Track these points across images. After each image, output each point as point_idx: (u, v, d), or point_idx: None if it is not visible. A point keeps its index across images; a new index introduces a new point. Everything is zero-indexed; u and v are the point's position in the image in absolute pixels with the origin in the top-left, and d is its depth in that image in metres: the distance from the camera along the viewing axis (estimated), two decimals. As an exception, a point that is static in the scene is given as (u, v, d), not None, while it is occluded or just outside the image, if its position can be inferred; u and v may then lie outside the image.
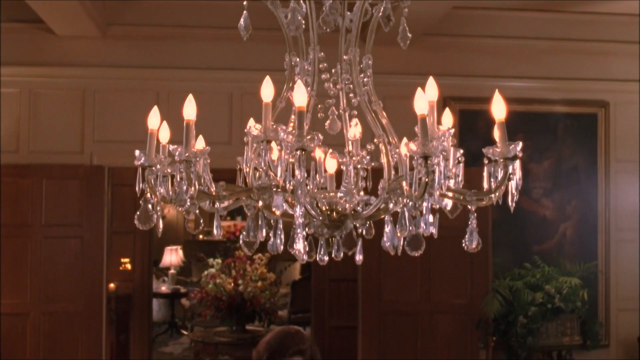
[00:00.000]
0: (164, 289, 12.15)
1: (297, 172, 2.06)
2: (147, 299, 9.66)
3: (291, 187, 2.15)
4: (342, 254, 2.67)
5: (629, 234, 6.64)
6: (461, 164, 2.69)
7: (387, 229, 2.40)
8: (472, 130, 6.24)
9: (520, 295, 6.03)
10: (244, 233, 2.62)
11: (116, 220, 8.27)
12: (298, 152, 2.06)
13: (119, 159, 6.11)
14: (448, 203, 2.72)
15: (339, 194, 2.50)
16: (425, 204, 2.15)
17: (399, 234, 2.36)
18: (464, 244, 2.66)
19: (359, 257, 2.66)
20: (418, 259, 6.15)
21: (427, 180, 2.12)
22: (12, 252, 5.93)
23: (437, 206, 2.67)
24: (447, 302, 6.13)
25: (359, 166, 2.76)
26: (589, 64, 6.62)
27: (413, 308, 6.17)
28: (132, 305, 9.25)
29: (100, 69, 6.18)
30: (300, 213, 2.12)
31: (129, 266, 9.31)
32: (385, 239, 2.44)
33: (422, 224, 2.18)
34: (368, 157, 2.78)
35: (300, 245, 2.21)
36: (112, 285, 8.71)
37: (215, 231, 2.61)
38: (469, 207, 2.51)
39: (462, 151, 2.73)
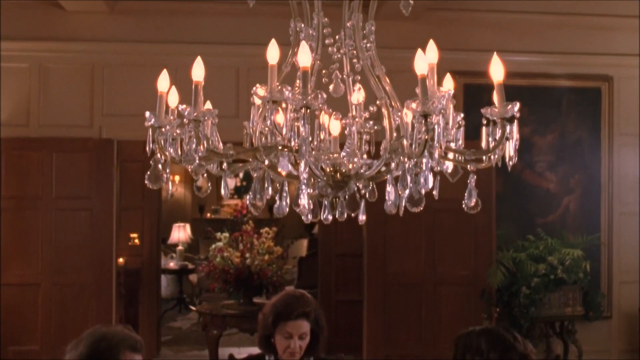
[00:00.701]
0: (172, 265, 12.28)
1: (301, 128, 2.15)
2: (156, 274, 9.77)
3: (296, 146, 2.23)
4: (345, 215, 2.75)
5: (632, 206, 6.71)
6: (462, 128, 2.77)
7: (389, 188, 2.48)
8: (477, 104, 6.22)
9: (523, 267, 6.11)
10: (251, 195, 2.70)
11: (125, 196, 8.37)
12: (302, 110, 2.15)
13: (127, 132, 6.22)
14: (449, 166, 2.80)
15: (342, 154, 2.59)
16: (424, 160, 2.22)
17: (400, 193, 2.44)
18: (463, 205, 2.75)
19: (362, 218, 2.73)
20: (422, 232, 6.28)
21: (426, 137, 2.20)
22: (24, 224, 6.04)
23: (438, 168, 2.75)
24: (452, 273, 6.21)
25: (362, 130, 2.85)
26: (593, 39, 6.67)
27: (418, 280, 6.25)
28: (140, 280, 9.37)
29: (109, 43, 6.26)
30: (305, 169, 2.20)
31: (137, 241, 9.43)
32: (387, 198, 2.51)
33: (422, 180, 2.25)
34: (371, 122, 2.86)
35: (304, 201, 2.30)
36: (121, 260, 8.83)
37: (222, 191, 2.70)
38: (469, 168, 2.59)
39: (462, 115, 2.81)
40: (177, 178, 16.02)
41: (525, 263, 6.11)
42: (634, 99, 6.72)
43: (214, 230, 8.71)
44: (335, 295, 9.38)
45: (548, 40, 6.63)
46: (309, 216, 2.65)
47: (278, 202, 2.70)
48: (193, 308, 12.01)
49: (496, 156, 2.64)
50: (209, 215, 15.80)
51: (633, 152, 6.72)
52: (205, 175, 2.75)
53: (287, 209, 2.69)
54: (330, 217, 2.63)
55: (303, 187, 2.27)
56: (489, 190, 6.20)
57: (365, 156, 2.75)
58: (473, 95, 6.32)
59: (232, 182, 16.42)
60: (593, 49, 6.67)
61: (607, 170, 6.68)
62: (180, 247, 12.54)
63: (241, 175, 16.37)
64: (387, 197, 2.53)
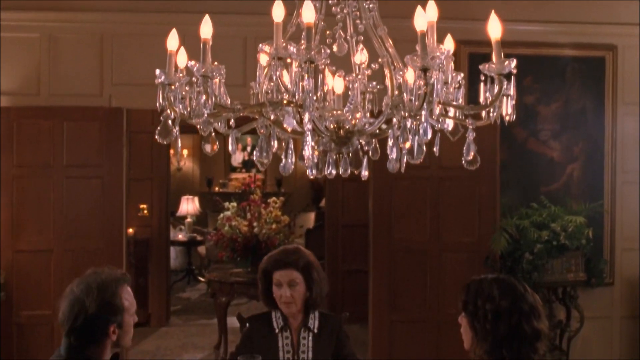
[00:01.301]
0: (180, 237, 12.43)
1: (305, 82, 2.23)
2: (165, 245, 9.93)
3: (300, 101, 2.32)
4: (349, 171, 2.84)
5: (635, 175, 6.77)
6: (462, 89, 2.85)
7: (390, 142, 2.56)
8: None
9: (526, 234, 6.19)
10: (257, 153, 2.80)
11: (134, 167, 8.49)
12: (306, 64, 2.23)
13: (136, 101, 6.30)
14: (449, 124, 2.88)
15: (345, 110, 2.67)
16: (424, 112, 2.30)
17: (401, 146, 2.52)
18: (463, 161, 2.83)
19: (364, 173, 2.82)
20: (428, 201, 6.38)
21: (425, 91, 2.29)
22: (36, 192, 6.15)
23: (439, 125, 2.84)
24: (456, 240, 6.30)
25: (365, 90, 2.93)
26: (598, 8, 6.69)
27: (423, 247, 6.35)
28: (150, 251, 9.53)
29: (118, 13, 6.33)
30: (309, 121, 2.28)
31: (146, 212, 9.58)
32: (389, 152, 2.59)
33: (421, 132, 2.33)
34: (374, 83, 2.95)
35: (308, 152, 2.39)
36: (130, 230, 8.97)
37: (230, 147, 2.80)
38: (467, 122, 2.68)
39: (462, 75, 2.89)
40: (185, 152, 16.14)
41: (529, 230, 6.20)
42: (638, 69, 6.76)
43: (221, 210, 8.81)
44: (342, 265, 9.53)
45: (553, 10, 6.66)
46: (313, 171, 2.75)
47: (284, 160, 2.80)
48: (202, 279, 12.18)
49: (495, 113, 2.72)
50: (217, 189, 15.92)
51: (636, 120, 6.77)
52: (213, 134, 2.85)
53: (293, 167, 2.79)
54: (333, 172, 2.72)
55: (307, 139, 2.36)
56: (493, 158, 6.29)
57: (368, 115, 2.84)
58: (478, 65, 6.38)
59: (240, 156, 16.55)
60: (598, 18, 6.70)
61: (610, 138, 6.74)
62: (189, 219, 12.68)
63: (249, 149, 16.48)
64: (389, 152, 2.62)
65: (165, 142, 2.58)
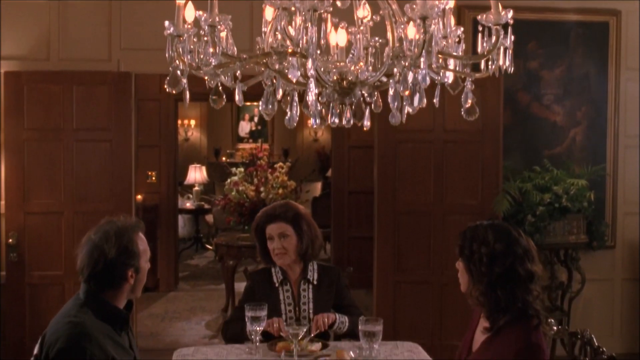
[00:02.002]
0: (188, 205, 12.56)
1: (309, 30, 2.32)
2: (173, 212, 10.06)
3: (303, 50, 2.41)
4: (352, 122, 2.93)
5: (637, 140, 6.83)
6: (462, 43, 2.93)
7: (391, 91, 2.65)
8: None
9: (529, 196, 6.28)
10: (262, 105, 2.89)
11: (142, 134, 8.60)
12: (309, 12, 2.32)
13: (144, 66, 6.39)
14: (449, 76, 2.97)
15: (347, 60, 2.76)
16: (422, 58, 2.39)
17: (401, 93, 2.60)
18: (462, 113, 2.92)
19: (367, 123, 2.92)
20: (432, 164, 6.47)
21: (424, 39, 2.37)
22: (46, 155, 6.24)
23: (438, 78, 2.92)
24: (459, 203, 6.38)
25: (368, 44, 3.02)
26: (602, -27, 6.73)
27: (426, 209, 6.44)
28: (158, 217, 9.66)
29: (126, -22, 6.41)
30: (312, 67, 2.37)
31: (154, 179, 9.70)
32: (390, 101, 2.67)
33: (420, 78, 2.41)
34: (377, 38, 3.03)
35: (311, 97, 2.49)
36: (139, 197, 9.10)
37: (237, 97, 2.89)
38: (466, 72, 2.76)
39: (462, 29, 2.97)
40: (192, 122, 16.23)
41: (531, 193, 6.28)
42: (641, 34, 6.80)
43: (230, 174, 8.90)
44: (348, 231, 9.64)
45: (557, -25, 6.70)
46: (317, 120, 2.84)
47: (289, 112, 2.89)
48: (209, 247, 12.32)
49: (493, 66, 2.80)
50: (224, 159, 16.03)
51: (639, 85, 6.82)
52: (220, 87, 2.95)
53: (297, 118, 2.89)
54: (336, 121, 2.81)
55: (311, 85, 2.45)
56: (496, 122, 6.36)
57: (370, 68, 2.92)
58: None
59: (247, 126, 16.65)
60: (602, -17, 6.75)
61: (613, 103, 6.79)
62: (196, 188, 12.80)
63: (256, 119, 16.57)
64: (390, 102, 2.70)
65: (174, 92, 2.67)
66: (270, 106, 2.90)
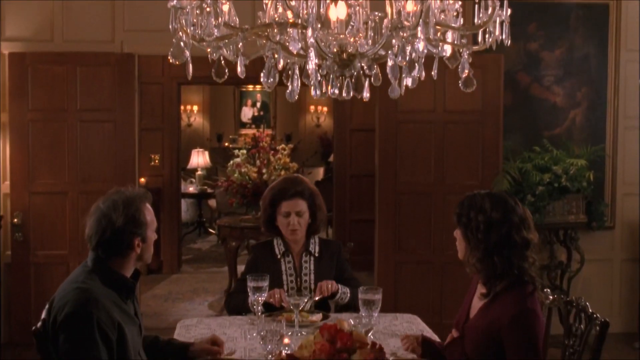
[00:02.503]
0: (191, 189, 12.63)
1: (309, 1, 2.38)
2: (176, 195, 10.13)
3: (304, 17, 2.47)
4: (351, 93, 2.99)
5: (636, 121, 6.88)
6: (460, 17, 2.99)
7: (390, 63, 2.70)
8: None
9: (529, 176, 6.34)
10: (264, 77, 2.95)
11: (145, 117, 8.66)
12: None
13: (147, 47, 6.45)
14: (447, 50, 3.02)
15: (347, 31, 2.82)
16: (420, 28, 2.44)
17: (399, 63, 2.66)
18: (460, 84, 2.98)
19: (366, 95, 2.98)
20: (432, 144, 6.51)
21: (421, 9, 2.43)
22: (51, 135, 6.31)
23: (436, 50, 2.98)
24: (460, 183, 6.42)
25: (366, 17, 3.07)
26: (603, -46, 6.75)
27: (427, 189, 6.50)
28: (161, 201, 9.71)
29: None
30: (312, 35, 2.43)
31: (157, 162, 9.77)
32: (389, 73, 2.73)
33: (418, 47, 2.47)
34: (376, 12, 3.08)
35: (312, 67, 2.54)
36: (142, 179, 9.16)
37: (239, 69, 2.95)
38: (463, 42, 2.82)
39: (460, 3, 3.02)
40: (195, 108, 16.28)
41: (531, 173, 6.34)
42: (641, 16, 6.83)
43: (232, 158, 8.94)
44: (349, 214, 9.70)
45: (558, -45, 6.72)
46: (317, 91, 2.90)
47: (290, 85, 2.95)
48: (212, 231, 12.39)
49: (490, 39, 2.86)
50: (227, 144, 16.08)
51: (639, 67, 6.86)
52: (222, 60, 3.00)
53: (298, 92, 2.95)
54: (336, 92, 2.87)
55: (311, 54, 2.51)
56: (497, 102, 6.41)
57: (370, 42, 2.98)
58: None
59: (249, 112, 16.70)
60: (602, -37, 6.77)
61: (613, 84, 6.83)
62: (199, 172, 12.86)
63: (258, 105, 16.62)
64: (389, 73, 2.76)
65: (177, 63, 2.72)
66: (271, 79, 2.95)
